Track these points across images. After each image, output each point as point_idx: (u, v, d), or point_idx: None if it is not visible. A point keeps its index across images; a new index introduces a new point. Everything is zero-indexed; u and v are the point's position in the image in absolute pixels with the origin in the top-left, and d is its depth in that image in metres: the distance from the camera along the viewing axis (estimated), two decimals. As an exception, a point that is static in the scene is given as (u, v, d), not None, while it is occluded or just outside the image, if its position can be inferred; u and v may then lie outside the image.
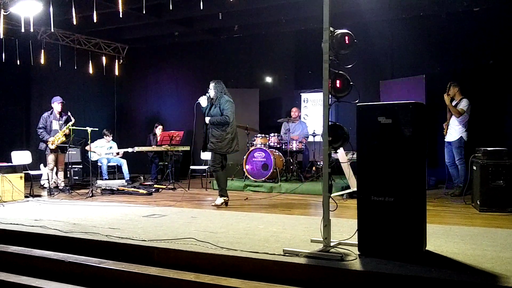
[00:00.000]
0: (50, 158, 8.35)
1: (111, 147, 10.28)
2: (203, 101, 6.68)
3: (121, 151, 10.10)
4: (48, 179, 8.41)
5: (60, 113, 8.54)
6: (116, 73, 12.25)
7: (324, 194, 3.70)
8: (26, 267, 4.25)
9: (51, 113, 8.48)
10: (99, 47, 11.57)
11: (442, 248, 3.82)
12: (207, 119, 6.59)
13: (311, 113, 10.66)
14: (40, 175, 9.17)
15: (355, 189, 4.05)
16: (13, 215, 5.91)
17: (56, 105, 8.48)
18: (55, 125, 8.42)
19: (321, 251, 3.61)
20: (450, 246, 3.89)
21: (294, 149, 9.07)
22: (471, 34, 8.76)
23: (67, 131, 8.35)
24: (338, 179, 7.56)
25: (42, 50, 10.29)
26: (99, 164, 10.05)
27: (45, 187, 8.63)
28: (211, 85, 6.71)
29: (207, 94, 6.71)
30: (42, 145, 8.43)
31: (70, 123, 8.32)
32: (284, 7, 9.25)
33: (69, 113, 8.40)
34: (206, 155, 9.53)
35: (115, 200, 7.46)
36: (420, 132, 3.52)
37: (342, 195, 7.24)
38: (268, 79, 11.32)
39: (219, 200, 6.62)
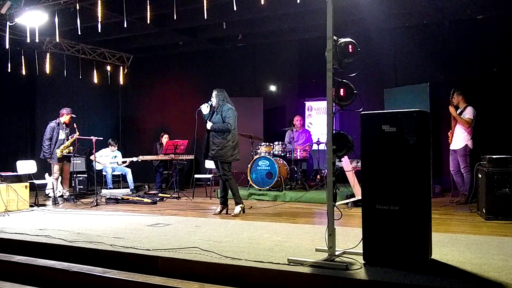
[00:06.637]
0: (56, 167, 8.37)
1: (115, 156, 10.31)
2: (204, 108, 6.73)
3: (127, 160, 10.11)
4: (53, 189, 8.43)
5: (66, 123, 8.57)
6: (121, 82, 12.32)
7: (328, 202, 3.69)
8: (31, 276, 4.26)
9: (58, 124, 8.49)
10: (104, 57, 11.64)
11: (447, 256, 3.80)
12: (208, 125, 6.61)
13: (315, 121, 10.67)
14: (45, 185, 9.19)
15: (360, 197, 4.05)
16: (18, 224, 5.93)
17: (66, 117, 8.50)
18: (62, 135, 8.44)
19: (326, 260, 3.60)
20: (455, 255, 3.86)
21: (299, 157, 9.07)
22: (474, 42, 8.76)
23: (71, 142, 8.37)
24: (343, 188, 7.55)
25: (47, 60, 10.36)
26: (103, 173, 10.06)
27: (50, 197, 8.64)
28: (214, 93, 6.76)
29: (209, 102, 6.76)
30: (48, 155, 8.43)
31: (75, 135, 8.31)
32: (287, 16, 9.29)
33: (75, 125, 8.38)
34: (210, 164, 9.56)
35: (119, 209, 7.47)
36: (424, 140, 3.52)
37: (347, 203, 7.22)
38: (272, 88, 11.34)
39: (237, 209, 6.60)
